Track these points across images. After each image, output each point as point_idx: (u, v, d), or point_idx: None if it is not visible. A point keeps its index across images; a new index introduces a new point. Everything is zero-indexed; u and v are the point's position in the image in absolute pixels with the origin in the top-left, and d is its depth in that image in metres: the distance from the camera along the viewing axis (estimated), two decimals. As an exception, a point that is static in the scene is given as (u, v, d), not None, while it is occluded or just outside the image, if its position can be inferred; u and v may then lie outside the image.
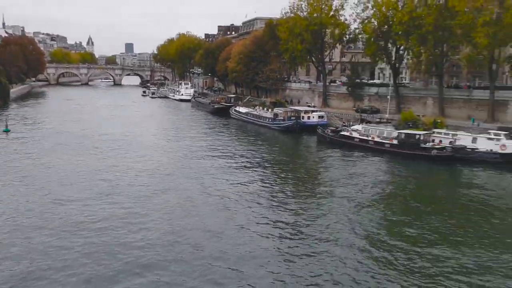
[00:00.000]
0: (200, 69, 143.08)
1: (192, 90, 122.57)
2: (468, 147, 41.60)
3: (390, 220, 25.28)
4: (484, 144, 41.63)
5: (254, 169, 38.14)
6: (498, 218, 25.83)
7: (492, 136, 41.93)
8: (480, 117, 51.03)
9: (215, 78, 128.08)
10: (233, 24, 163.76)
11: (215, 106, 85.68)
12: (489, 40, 46.11)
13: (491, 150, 40.96)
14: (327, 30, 70.61)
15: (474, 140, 42.50)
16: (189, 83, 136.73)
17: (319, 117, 62.65)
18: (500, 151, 40.62)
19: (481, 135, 42.89)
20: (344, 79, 77.80)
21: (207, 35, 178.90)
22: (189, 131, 61.95)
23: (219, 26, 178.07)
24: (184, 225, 23.77)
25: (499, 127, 45.25)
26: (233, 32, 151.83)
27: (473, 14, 48.34)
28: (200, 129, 64.29)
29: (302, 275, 18.21)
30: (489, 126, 46.63)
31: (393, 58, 62.28)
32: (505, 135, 41.81)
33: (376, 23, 60.60)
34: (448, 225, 24.31)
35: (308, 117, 62.63)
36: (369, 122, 53.93)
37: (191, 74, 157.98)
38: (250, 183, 32.91)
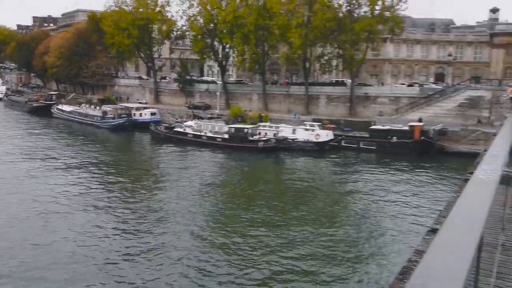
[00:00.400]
0: (13, 64, 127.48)
1: (4, 87, 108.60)
2: (289, 138, 45.87)
3: (225, 208, 26.52)
4: (302, 134, 46.39)
5: (84, 171, 35.82)
6: (316, 198, 29.25)
7: (308, 127, 47.02)
8: (298, 111, 56.70)
9: (32, 74, 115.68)
10: (50, 16, 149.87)
11: (34, 105, 77.54)
12: (302, 40, 51.50)
13: (308, 139, 45.85)
14: (154, 25, 69.90)
15: (294, 131, 47.01)
16: (0, 79, 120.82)
17: (152, 114, 61.75)
18: (315, 140, 45.77)
19: (299, 127, 47.72)
20: (174, 75, 78.03)
21: (20, 27, 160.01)
22: (3, 133, 54.88)
23: (34, 17, 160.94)
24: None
25: (314, 119, 51.07)
26: (51, 24, 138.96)
27: (288, 16, 53.41)
28: (17, 131, 57.49)
29: (147, 272, 17.94)
30: (306, 118, 52.14)
31: (220, 56, 64.80)
32: (318, 125, 47.36)
33: (202, 21, 62.25)
34: (276, 207, 26.59)
35: (140, 114, 61.27)
36: (201, 118, 55.34)
37: (1, 70, 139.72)
38: (80, 186, 30.84)
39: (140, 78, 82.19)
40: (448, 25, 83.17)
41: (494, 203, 4.33)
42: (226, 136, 46.88)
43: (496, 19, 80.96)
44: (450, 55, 64.10)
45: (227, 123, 50.57)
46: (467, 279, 1.10)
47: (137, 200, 28.01)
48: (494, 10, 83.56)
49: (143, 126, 56.69)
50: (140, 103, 69.41)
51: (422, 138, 41.93)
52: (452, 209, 1.51)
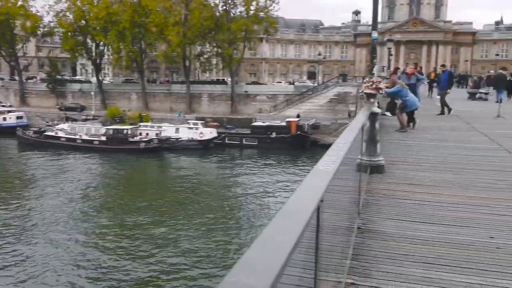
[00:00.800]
0: None
1: None
2: (172, 137, 45.28)
3: (106, 213, 25.27)
4: (186, 133, 46.12)
5: None
6: (200, 195, 29.29)
7: (192, 126, 46.93)
8: (181, 109, 56.19)
9: None
10: None
11: None
12: (180, 38, 51.13)
13: (192, 138, 45.75)
14: (16, 21, 63.59)
15: (177, 130, 46.53)
16: None
17: (18, 117, 56.23)
18: (199, 138, 45.84)
19: (182, 125, 47.37)
20: (43, 75, 71.96)
21: None
22: None
23: None
24: None
25: (197, 117, 51.13)
26: None
27: (165, 14, 52.60)
28: None
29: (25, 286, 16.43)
30: (189, 117, 51.92)
31: (94, 54, 61.44)
32: (202, 123, 47.51)
33: (72, 17, 58.40)
34: (160, 208, 26.06)
35: (4, 119, 55.46)
36: (75, 120, 52.03)
37: None
38: None
39: (1, 79, 74.09)
40: (317, 26, 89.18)
41: (350, 190, 4.77)
42: (103, 138, 44.65)
43: (359, 21, 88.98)
44: (320, 54, 68.77)
45: (104, 125, 48.18)
46: (285, 267, 1.14)
47: (7, 212, 25.34)
48: (356, 13, 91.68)
49: (8, 131, 51.37)
50: (4, 106, 62.71)
51: (298, 132, 44.47)
52: (285, 202, 1.62)
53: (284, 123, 45.74)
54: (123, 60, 58.22)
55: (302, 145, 44.06)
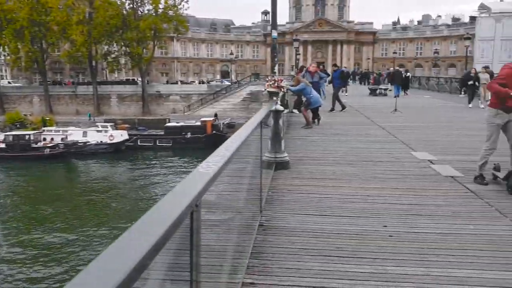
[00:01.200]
0: None
1: None
2: (80, 141, 42.91)
3: (9, 222, 23.38)
4: (94, 136, 43.94)
5: None
6: (113, 200, 28.14)
7: (100, 128, 44.84)
8: (88, 111, 53.52)
9: None
10: None
11: None
12: (85, 37, 48.62)
13: (101, 141, 43.71)
14: None
15: (84, 134, 44.16)
16: None
17: None
18: (109, 142, 43.93)
19: (90, 129, 45.09)
20: None
21: None
22: None
23: None
24: None
25: (106, 119, 48.98)
26: None
27: (67, 12, 49.71)
28: None
29: None
30: (98, 119, 49.58)
31: (-13, 54, 56.55)
32: (111, 126, 45.56)
33: (-41, 14, 53.08)
34: (70, 215, 24.63)
35: None
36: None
37: None
38: None
39: None
40: (228, 25, 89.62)
41: (250, 187, 4.75)
42: (2, 145, 41.19)
43: (268, 21, 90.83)
44: (232, 53, 69.18)
45: (3, 131, 44.52)
46: (137, 272, 1.06)
47: None
48: (266, 13, 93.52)
49: None
50: None
51: (214, 132, 44.36)
52: (148, 210, 1.50)
53: (199, 123, 45.37)
54: (22, 61, 54.09)
55: (218, 144, 43.82)
